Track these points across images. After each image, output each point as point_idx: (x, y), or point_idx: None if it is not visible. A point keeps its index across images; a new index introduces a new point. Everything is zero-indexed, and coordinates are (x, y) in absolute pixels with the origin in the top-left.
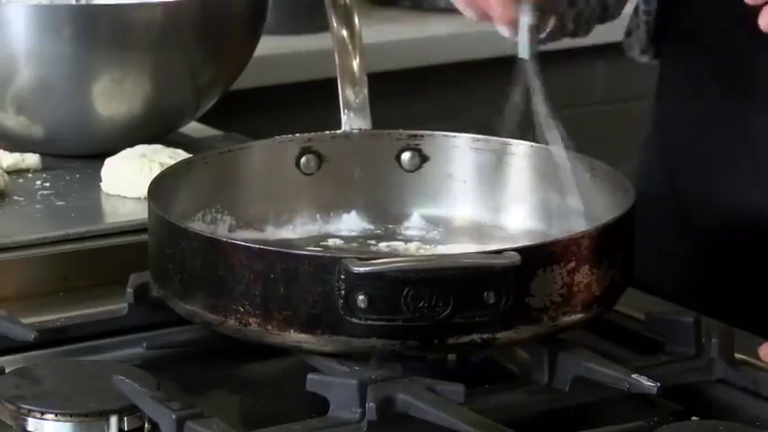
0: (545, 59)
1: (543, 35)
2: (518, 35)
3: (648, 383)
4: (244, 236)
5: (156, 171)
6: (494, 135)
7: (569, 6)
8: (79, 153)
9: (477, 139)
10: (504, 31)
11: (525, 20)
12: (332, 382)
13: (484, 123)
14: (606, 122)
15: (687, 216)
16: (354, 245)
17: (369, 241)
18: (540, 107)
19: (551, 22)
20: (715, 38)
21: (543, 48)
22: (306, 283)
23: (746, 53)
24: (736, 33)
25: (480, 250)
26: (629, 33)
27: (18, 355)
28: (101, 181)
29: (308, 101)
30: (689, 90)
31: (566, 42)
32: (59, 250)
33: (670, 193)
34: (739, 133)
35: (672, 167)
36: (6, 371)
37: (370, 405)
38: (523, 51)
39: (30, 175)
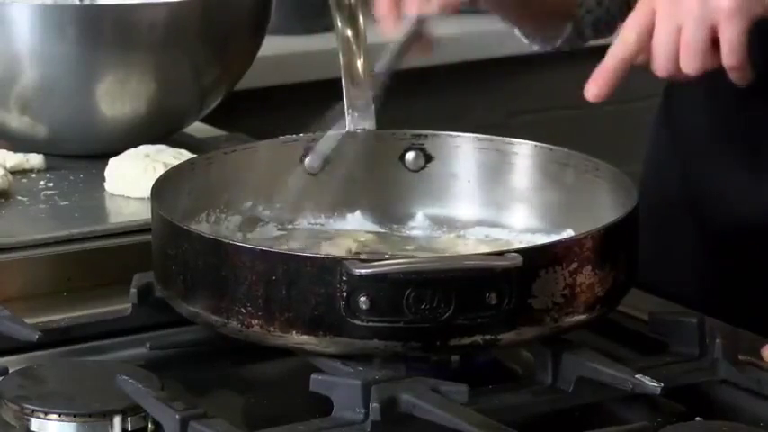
0: (548, 60)
1: (559, 42)
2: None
3: (652, 384)
4: (247, 236)
5: (160, 171)
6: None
7: (586, 13)
8: (83, 153)
9: (481, 139)
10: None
11: (399, 36)
12: (335, 383)
13: (487, 123)
14: (610, 123)
15: (699, 214)
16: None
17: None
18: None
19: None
20: None
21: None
22: (308, 285)
23: (765, 46)
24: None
25: (483, 251)
26: None
27: (22, 356)
28: (104, 181)
29: (313, 101)
30: (702, 84)
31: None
32: (63, 250)
33: (681, 191)
34: (753, 129)
35: (684, 164)
36: (10, 371)
37: (374, 405)
38: (380, 66)
39: (33, 175)
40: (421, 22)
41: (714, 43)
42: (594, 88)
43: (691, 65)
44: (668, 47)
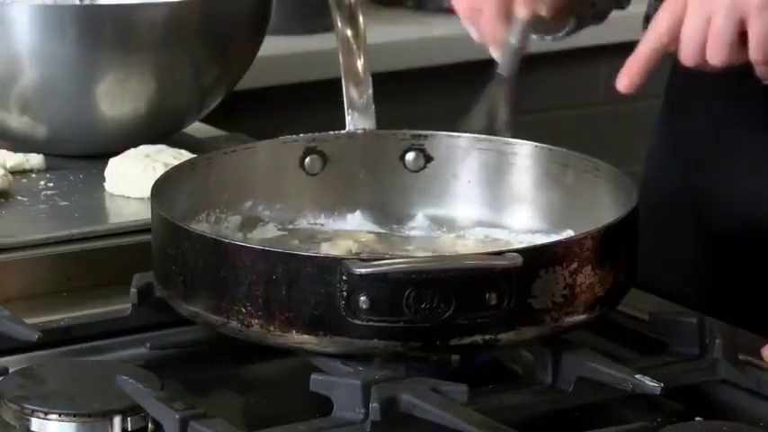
0: (548, 61)
1: (560, 34)
2: (502, 54)
3: (652, 384)
4: (247, 236)
5: (160, 171)
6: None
7: (590, 7)
8: (83, 153)
9: (481, 139)
10: (494, 51)
11: (511, 40)
12: (335, 383)
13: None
14: (610, 123)
15: (699, 214)
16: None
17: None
18: (504, 126)
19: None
20: None
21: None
22: (308, 285)
23: None
24: None
25: (483, 251)
26: (647, 19)
27: (22, 356)
28: (104, 181)
29: (312, 101)
30: (705, 83)
31: (569, 43)
32: (63, 250)
33: (682, 191)
34: (755, 129)
35: (684, 164)
36: (10, 371)
37: (374, 405)
38: (503, 69)
39: (33, 175)
40: (531, 24)
41: (742, 37)
42: (626, 78)
43: (717, 56)
44: (697, 36)
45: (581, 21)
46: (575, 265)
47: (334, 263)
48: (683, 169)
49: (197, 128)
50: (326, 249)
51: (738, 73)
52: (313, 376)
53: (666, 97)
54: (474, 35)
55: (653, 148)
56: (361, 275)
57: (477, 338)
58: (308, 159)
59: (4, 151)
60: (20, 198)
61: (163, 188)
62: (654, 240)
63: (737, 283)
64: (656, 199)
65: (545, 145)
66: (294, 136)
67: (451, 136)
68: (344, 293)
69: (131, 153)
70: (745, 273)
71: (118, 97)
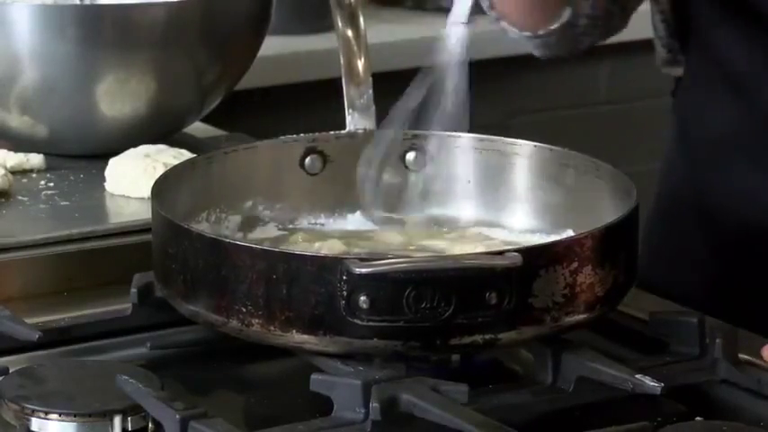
0: (548, 61)
1: (555, 25)
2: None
3: (652, 384)
4: (247, 236)
5: (160, 171)
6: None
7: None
8: (83, 153)
9: (481, 139)
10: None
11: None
12: (336, 383)
13: (487, 123)
14: (611, 123)
15: (706, 215)
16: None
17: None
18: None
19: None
20: (744, 29)
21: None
22: (308, 284)
23: None
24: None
25: (483, 250)
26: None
27: (22, 355)
28: (105, 181)
29: (313, 101)
30: (715, 86)
31: None
32: (63, 250)
33: (690, 192)
34: (760, 129)
35: (693, 165)
36: (10, 371)
37: (374, 405)
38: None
39: (34, 175)
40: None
41: None
42: None
43: None
44: None
45: (576, 14)
46: (575, 264)
47: (335, 263)
48: (690, 170)
49: (197, 128)
50: (326, 249)
51: (745, 72)
52: (313, 376)
53: (673, 96)
54: None
55: (666, 149)
56: (361, 275)
57: (478, 338)
58: (308, 159)
59: (4, 151)
60: (20, 198)
61: (163, 188)
62: (663, 241)
63: (738, 283)
64: (667, 200)
65: (545, 145)
66: (294, 136)
67: (452, 136)
68: (344, 293)
69: (131, 153)
70: (745, 272)
71: (118, 97)
